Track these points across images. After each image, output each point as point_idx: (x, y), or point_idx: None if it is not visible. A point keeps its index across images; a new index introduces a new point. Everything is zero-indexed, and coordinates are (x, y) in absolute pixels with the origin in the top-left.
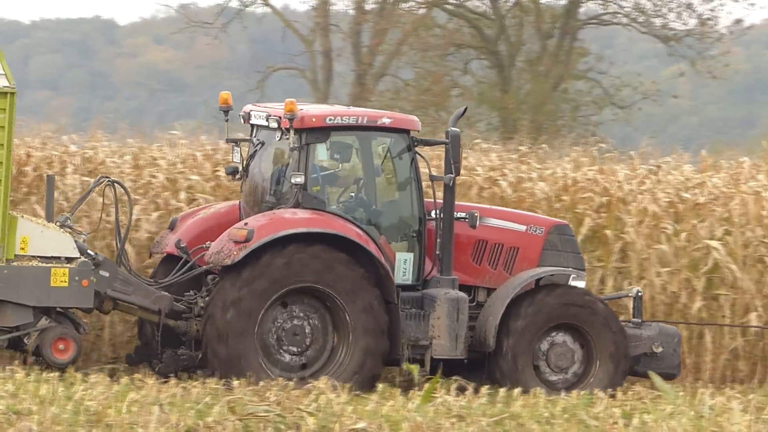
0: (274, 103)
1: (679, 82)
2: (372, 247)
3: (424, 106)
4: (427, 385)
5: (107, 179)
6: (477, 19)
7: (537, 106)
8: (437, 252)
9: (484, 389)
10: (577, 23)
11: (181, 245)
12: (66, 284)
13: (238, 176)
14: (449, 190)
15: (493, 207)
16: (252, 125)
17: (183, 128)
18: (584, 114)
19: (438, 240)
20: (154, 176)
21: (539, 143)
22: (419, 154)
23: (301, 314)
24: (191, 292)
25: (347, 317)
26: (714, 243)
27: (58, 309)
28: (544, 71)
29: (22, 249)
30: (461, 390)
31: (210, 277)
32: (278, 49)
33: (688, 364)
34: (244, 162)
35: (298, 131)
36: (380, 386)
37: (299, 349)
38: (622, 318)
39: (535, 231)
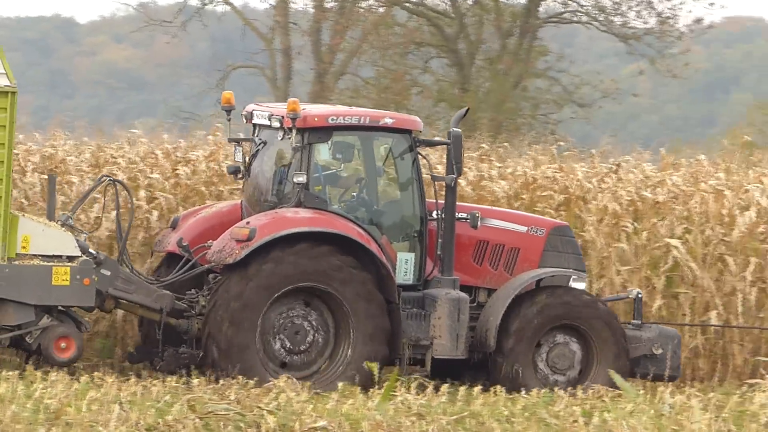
0: (276, 103)
1: (638, 81)
2: (373, 247)
3: (384, 105)
4: (387, 384)
5: (108, 178)
6: (437, 17)
7: (497, 105)
8: (438, 252)
9: (445, 387)
10: (537, 22)
11: (183, 244)
12: (67, 283)
13: (240, 176)
14: (450, 191)
15: (495, 208)
16: (254, 125)
17: (143, 126)
18: (544, 112)
19: (439, 240)
20: (113, 174)
21: (499, 141)
22: (421, 155)
23: (303, 313)
24: (193, 291)
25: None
26: (674, 241)
27: (60, 308)
28: (504, 70)
29: (24, 248)
30: (421, 388)
31: (211, 276)
32: (238, 48)
33: None
34: (246, 161)
35: (301, 131)
36: (341, 385)
37: (301, 348)
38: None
39: (536, 232)
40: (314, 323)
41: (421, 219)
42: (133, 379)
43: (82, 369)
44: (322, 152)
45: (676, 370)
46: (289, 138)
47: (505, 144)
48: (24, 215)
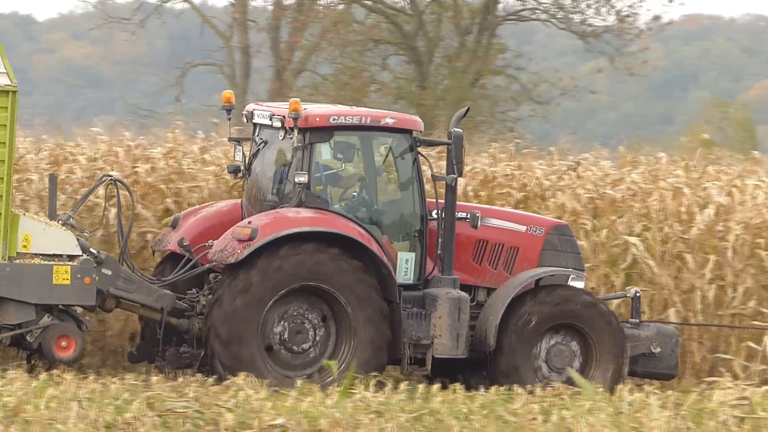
0: (277, 103)
1: (597, 78)
2: (374, 247)
3: (342, 102)
4: (345, 381)
5: (110, 178)
6: (395, 14)
7: (455, 102)
8: (439, 252)
9: (403, 385)
10: (495, 19)
11: (184, 243)
12: (68, 282)
13: (240, 175)
14: (451, 190)
15: (494, 207)
16: (255, 124)
17: (102, 124)
18: (502, 110)
19: (439, 240)
20: (72, 172)
21: None
22: (421, 154)
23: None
24: (193, 290)
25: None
26: (632, 239)
27: (61, 306)
28: (462, 67)
29: (25, 247)
30: (380, 386)
31: (212, 275)
32: (197, 45)
33: None
34: (246, 161)
35: (302, 130)
36: (299, 382)
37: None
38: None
39: (535, 231)
40: (315, 322)
41: (422, 219)
42: (92, 377)
43: (41, 366)
44: (324, 152)
45: (674, 368)
46: (291, 138)
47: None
48: (25, 214)
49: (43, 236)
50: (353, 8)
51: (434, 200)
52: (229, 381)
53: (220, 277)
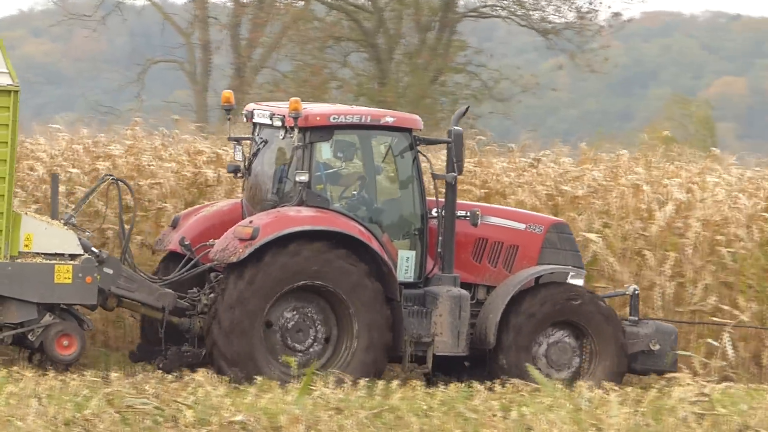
0: (277, 102)
1: (558, 76)
2: (375, 245)
3: (302, 99)
4: (305, 378)
5: (111, 178)
6: (356, 11)
7: (416, 99)
8: (439, 250)
9: (363, 382)
10: (455, 16)
11: (185, 243)
12: (70, 281)
13: (240, 175)
14: (451, 189)
15: (493, 205)
16: (254, 124)
17: (63, 121)
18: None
19: (440, 238)
20: (33, 169)
21: None
22: (421, 153)
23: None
24: (194, 290)
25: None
26: (593, 236)
27: (62, 305)
28: (422, 64)
29: (26, 246)
30: (339, 382)
31: (213, 274)
32: (157, 42)
33: None
34: (246, 161)
35: (302, 129)
36: (259, 379)
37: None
38: None
39: (535, 229)
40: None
41: (422, 217)
42: (51, 374)
43: (0, 363)
44: (324, 151)
45: (672, 365)
46: (291, 137)
47: None
48: (27, 213)
49: (45, 235)
50: (314, 5)
51: (434, 198)
52: (188, 378)
53: (221, 276)
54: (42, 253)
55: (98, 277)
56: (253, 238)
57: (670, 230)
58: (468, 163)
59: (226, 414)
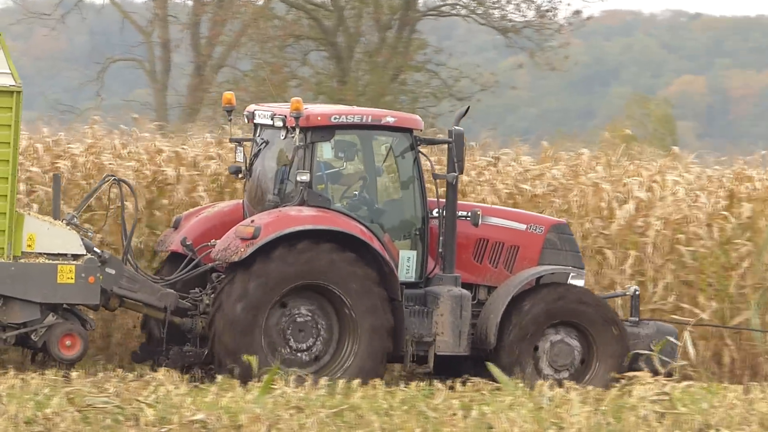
0: (278, 103)
1: (518, 74)
2: (376, 245)
3: (262, 97)
4: (266, 377)
5: (113, 178)
6: (315, 10)
7: (375, 98)
8: (440, 250)
9: (323, 380)
10: (415, 15)
11: (187, 243)
12: (72, 281)
13: (241, 175)
14: (452, 189)
15: (494, 206)
16: (255, 124)
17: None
18: (423, 105)
19: (441, 238)
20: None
21: None
22: (422, 153)
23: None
24: (196, 290)
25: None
26: None
27: (65, 306)
28: (382, 63)
29: (29, 246)
30: (300, 381)
31: (214, 274)
32: (117, 41)
33: None
34: (247, 161)
35: (304, 129)
36: (219, 378)
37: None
38: None
39: (535, 230)
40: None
41: (423, 217)
42: (11, 372)
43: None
44: (325, 151)
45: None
46: (292, 137)
47: None
48: (30, 213)
49: (48, 235)
50: (273, 3)
51: (435, 199)
52: (149, 376)
53: (222, 276)
54: (45, 254)
55: (101, 277)
56: (254, 237)
57: (630, 229)
58: (427, 162)
59: (187, 413)
